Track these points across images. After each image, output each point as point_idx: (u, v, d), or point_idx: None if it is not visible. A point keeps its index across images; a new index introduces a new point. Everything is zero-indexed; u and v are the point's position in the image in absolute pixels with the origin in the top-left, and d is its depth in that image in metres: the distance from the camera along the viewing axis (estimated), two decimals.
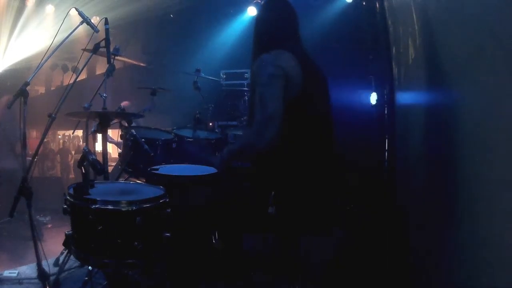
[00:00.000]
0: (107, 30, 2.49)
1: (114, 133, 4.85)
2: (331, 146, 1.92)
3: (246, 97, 4.43)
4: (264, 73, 1.76)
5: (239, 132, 3.71)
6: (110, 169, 4.23)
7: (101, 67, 7.32)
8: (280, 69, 1.75)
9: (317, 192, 1.82)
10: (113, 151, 5.60)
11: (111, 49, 2.65)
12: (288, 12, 2.01)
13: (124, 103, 4.56)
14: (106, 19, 2.52)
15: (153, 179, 2.16)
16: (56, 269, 2.53)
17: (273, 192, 1.79)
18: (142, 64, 4.68)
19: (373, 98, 3.69)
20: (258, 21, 2.05)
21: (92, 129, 2.85)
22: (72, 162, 7.43)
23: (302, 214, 1.80)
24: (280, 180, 1.81)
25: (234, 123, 4.48)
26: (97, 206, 1.61)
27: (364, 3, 3.79)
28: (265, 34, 1.98)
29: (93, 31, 2.57)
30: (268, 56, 1.81)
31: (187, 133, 3.27)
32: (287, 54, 1.82)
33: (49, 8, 5.71)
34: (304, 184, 1.80)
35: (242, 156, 1.92)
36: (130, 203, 1.66)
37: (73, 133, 4.54)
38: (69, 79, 3.13)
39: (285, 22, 1.99)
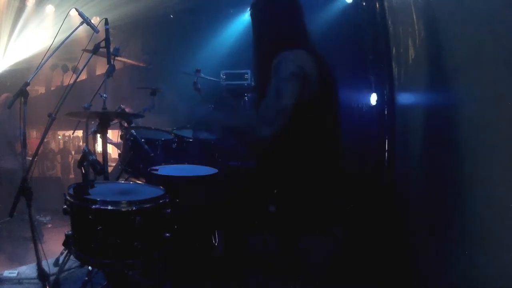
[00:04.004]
0: (107, 31, 2.49)
1: (114, 133, 4.85)
2: (337, 147, 1.92)
3: (246, 98, 4.42)
4: (286, 68, 1.74)
5: None
6: (110, 169, 4.23)
7: (101, 68, 7.33)
8: (302, 70, 1.74)
9: (318, 192, 1.83)
10: (113, 151, 5.60)
11: (111, 50, 2.64)
12: (297, 9, 1.96)
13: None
14: (106, 19, 2.52)
15: (153, 179, 2.16)
16: (56, 269, 2.53)
17: (275, 191, 1.79)
18: (142, 64, 4.67)
19: (373, 98, 3.69)
20: (267, 17, 1.97)
21: (92, 129, 2.85)
22: (72, 162, 7.44)
23: (302, 214, 1.81)
24: (283, 179, 1.81)
25: None
26: (97, 206, 1.62)
27: (364, 3, 3.78)
28: (278, 32, 1.91)
29: (93, 31, 2.57)
30: (290, 54, 1.78)
31: (187, 133, 3.27)
32: (306, 55, 1.81)
33: (49, 8, 5.72)
34: (306, 184, 1.80)
35: (241, 137, 1.89)
36: (130, 203, 1.66)
37: (73, 133, 4.54)
38: (69, 79, 3.12)
39: (297, 19, 1.95)
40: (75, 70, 4.56)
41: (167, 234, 1.77)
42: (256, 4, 2.03)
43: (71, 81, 2.46)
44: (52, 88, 8.44)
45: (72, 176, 7.04)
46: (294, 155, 1.80)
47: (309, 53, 1.82)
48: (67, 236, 1.69)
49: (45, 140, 3.56)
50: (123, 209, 1.64)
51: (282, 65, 1.76)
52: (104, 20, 2.52)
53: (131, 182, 2.41)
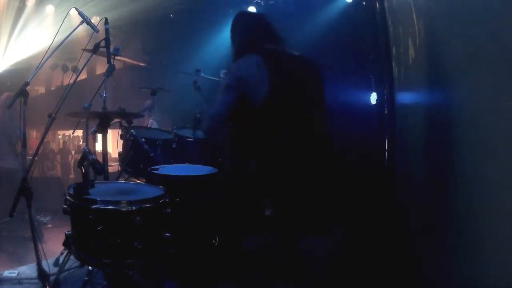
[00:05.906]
0: (107, 30, 2.49)
1: (114, 133, 4.84)
2: (327, 146, 1.92)
3: None
4: (225, 81, 1.98)
5: None
6: (110, 169, 4.22)
7: (101, 67, 7.31)
8: (238, 81, 1.90)
9: (317, 193, 1.83)
10: (113, 151, 5.59)
11: (111, 49, 2.64)
12: (251, 22, 2.17)
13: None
14: (106, 19, 2.52)
15: (153, 179, 2.16)
16: (56, 269, 2.53)
17: (270, 196, 1.80)
18: (142, 64, 4.67)
19: (373, 98, 3.69)
20: (234, 29, 2.20)
21: (92, 129, 2.85)
22: (72, 162, 7.44)
23: (302, 215, 1.81)
24: (278, 184, 1.81)
25: None
26: (97, 206, 1.62)
27: (364, 3, 3.79)
28: (235, 44, 2.15)
29: (93, 31, 2.56)
30: (233, 66, 2.00)
31: (187, 133, 3.27)
32: (254, 62, 1.90)
33: (49, 8, 5.71)
34: (303, 185, 1.80)
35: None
36: (130, 203, 1.66)
37: (73, 133, 4.53)
38: (69, 79, 3.13)
39: (250, 30, 2.11)
40: (75, 69, 4.55)
41: (167, 234, 1.77)
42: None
43: (71, 81, 2.45)
44: (52, 88, 8.43)
45: (72, 176, 7.04)
46: (277, 156, 1.83)
47: (263, 59, 1.91)
48: (67, 236, 1.69)
49: (45, 140, 3.56)
50: (123, 209, 1.64)
51: (225, 77, 2.03)
52: (104, 19, 2.52)
53: (131, 182, 2.41)
